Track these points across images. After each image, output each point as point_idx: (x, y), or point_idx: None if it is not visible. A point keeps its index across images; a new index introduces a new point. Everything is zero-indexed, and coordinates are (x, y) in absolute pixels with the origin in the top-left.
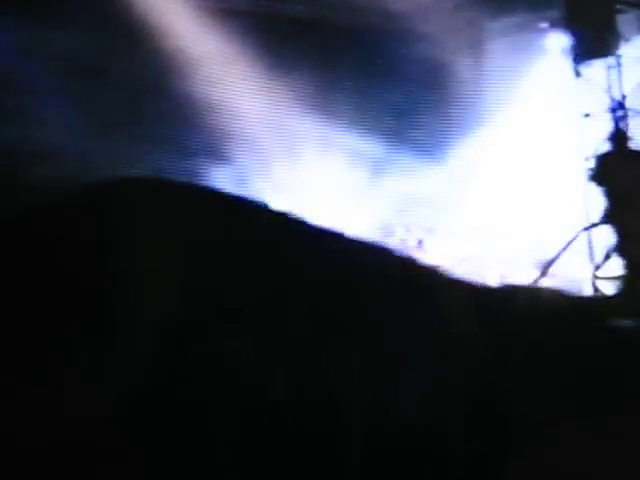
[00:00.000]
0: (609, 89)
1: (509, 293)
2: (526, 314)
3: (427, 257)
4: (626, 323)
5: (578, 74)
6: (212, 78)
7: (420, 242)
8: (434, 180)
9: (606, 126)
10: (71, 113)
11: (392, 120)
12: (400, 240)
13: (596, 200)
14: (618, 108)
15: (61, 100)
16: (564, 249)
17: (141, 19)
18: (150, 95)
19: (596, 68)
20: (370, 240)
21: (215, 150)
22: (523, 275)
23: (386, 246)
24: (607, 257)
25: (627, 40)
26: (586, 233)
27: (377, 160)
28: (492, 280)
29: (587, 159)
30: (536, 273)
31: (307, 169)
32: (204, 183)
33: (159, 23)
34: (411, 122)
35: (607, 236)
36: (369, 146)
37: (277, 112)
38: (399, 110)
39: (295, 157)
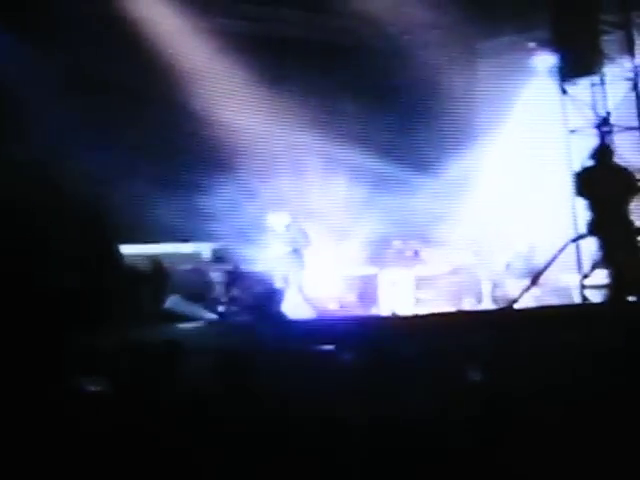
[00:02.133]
0: (594, 106)
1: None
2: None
3: (423, 267)
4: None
5: (564, 92)
6: (213, 93)
7: (416, 252)
8: (429, 193)
9: (591, 141)
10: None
11: (389, 136)
12: (397, 251)
13: (583, 212)
14: (603, 124)
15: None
16: (553, 259)
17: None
18: (153, 106)
19: (581, 86)
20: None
21: (218, 163)
22: (515, 283)
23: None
24: (594, 267)
25: (611, 59)
26: (574, 244)
27: (375, 174)
28: (485, 288)
29: (573, 173)
30: (526, 282)
31: (307, 184)
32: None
33: (160, 39)
34: (407, 138)
35: (593, 246)
36: (367, 161)
37: (276, 128)
38: (395, 127)
39: (296, 172)
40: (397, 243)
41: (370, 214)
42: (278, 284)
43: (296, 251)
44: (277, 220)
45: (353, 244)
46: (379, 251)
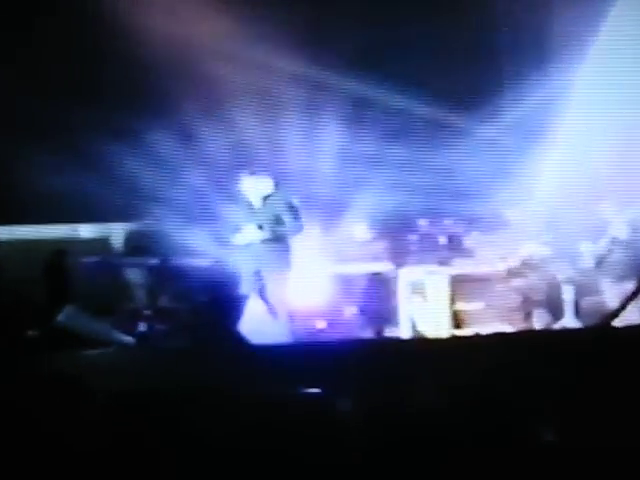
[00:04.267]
0: None
1: None
2: None
3: (465, 262)
4: None
5: None
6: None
7: (454, 239)
8: (476, 147)
9: None
10: None
11: (413, 57)
12: (424, 236)
13: None
14: None
15: None
16: None
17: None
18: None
19: None
20: None
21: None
22: (611, 287)
23: None
24: None
25: None
26: None
27: (392, 117)
28: (566, 295)
29: None
30: (630, 285)
31: (289, 134)
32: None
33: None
34: (440, 60)
35: None
36: (380, 97)
37: (244, 47)
38: (423, 41)
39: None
40: (424, 224)
41: (383, 178)
42: (236, 289)
43: (278, 239)
44: (253, 188)
45: (354, 226)
46: (396, 237)
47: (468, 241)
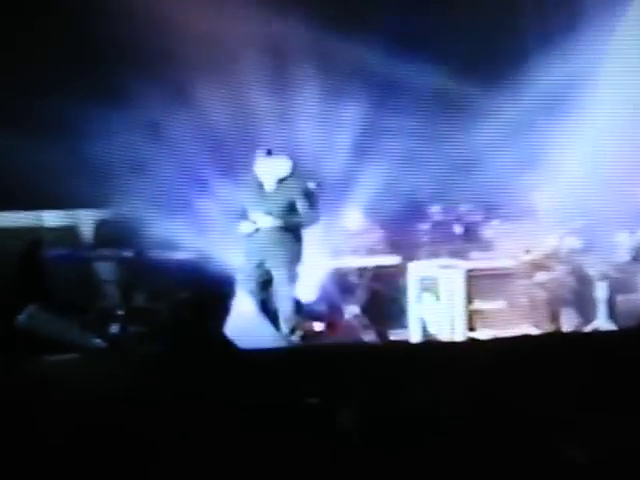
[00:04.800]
0: None
1: None
2: None
3: (484, 255)
4: None
5: None
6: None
7: (470, 229)
8: (499, 123)
9: None
10: None
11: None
12: (436, 224)
13: None
14: None
15: None
16: None
17: None
18: None
19: None
20: None
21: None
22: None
23: None
24: None
25: None
26: None
27: (398, 86)
28: (599, 293)
29: None
30: None
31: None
32: None
33: None
34: (462, 26)
35: None
36: (383, 65)
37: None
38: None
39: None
40: (436, 211)
41: (390, 158)
42: (223, 286)
43: (289, 228)
44: (268, 169)
45: (355, 213)
46: (405, 225)
47: (487, 231)
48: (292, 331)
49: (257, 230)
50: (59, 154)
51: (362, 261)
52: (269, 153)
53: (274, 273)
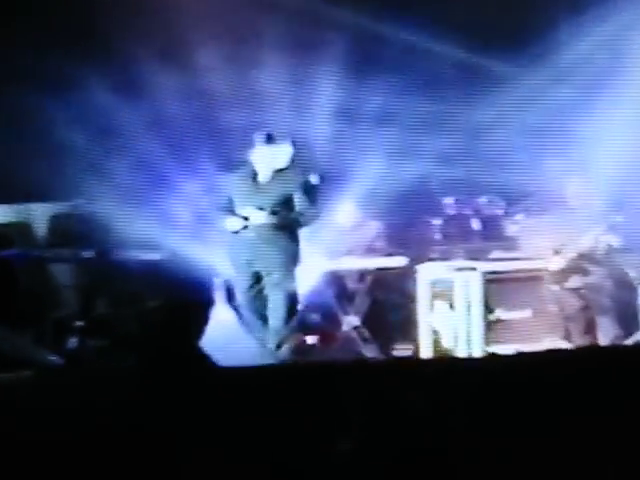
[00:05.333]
0: None
1: None
2: None
3: (505, 255)
4: None
5: None
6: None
7: (488, 223)
8: (522, 100)
9: None
10: None
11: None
12: (449, 219)
13: None
14: None
15: None
16: None
17: None
18: None
19: None
20: None
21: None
22: None
23: None
24: None
25: None
26: None
27: (408, 60)
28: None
29: None
30: None
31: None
32: None
33: None
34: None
35: None
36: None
37: None
38: None
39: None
40: (450, 203)
41: (397, 141)
42: (198, 292)
43: (285, 226)
44: (267, 157)
45: (354, 207)
46: (413, 221)
47: (510, 226)
48: (280, 345)
49: (246, 227)
50: (8, 141)
51: (362, 263)
52: (269, 138)
53: (264, 277)
